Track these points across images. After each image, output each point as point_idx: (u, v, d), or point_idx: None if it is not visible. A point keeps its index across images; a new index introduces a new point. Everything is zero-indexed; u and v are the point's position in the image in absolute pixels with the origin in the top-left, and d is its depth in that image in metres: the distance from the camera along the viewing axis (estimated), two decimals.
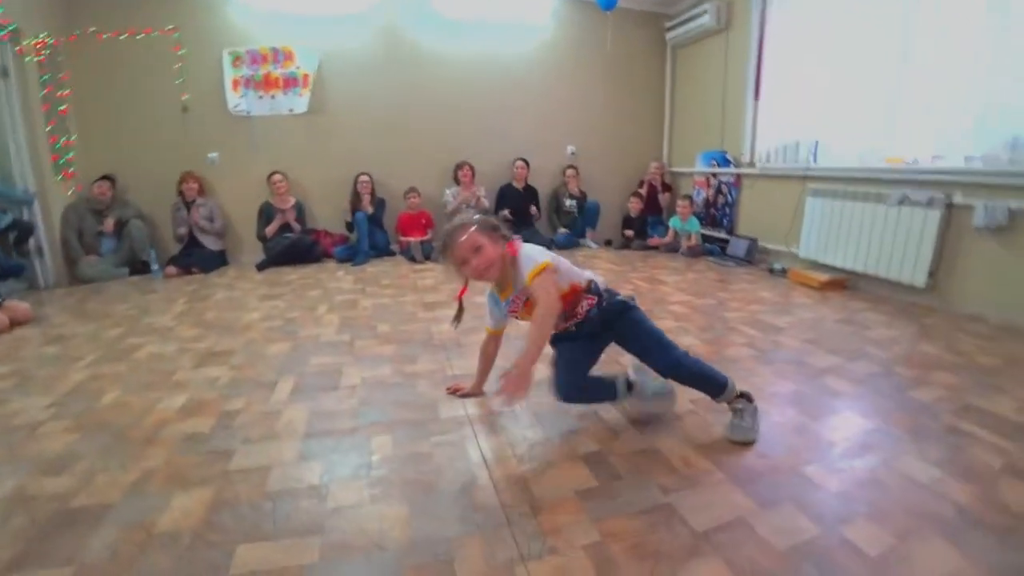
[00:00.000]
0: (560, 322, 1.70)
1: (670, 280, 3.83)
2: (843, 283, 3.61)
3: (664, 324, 2.78)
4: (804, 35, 4.01)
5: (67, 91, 4.44)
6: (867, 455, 1.51)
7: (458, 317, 1.78)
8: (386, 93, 5.04)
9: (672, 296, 3.36)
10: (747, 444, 1.58)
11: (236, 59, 4.67)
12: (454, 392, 2.01)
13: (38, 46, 4.17)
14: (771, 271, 4.01)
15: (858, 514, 1.24)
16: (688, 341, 2.51)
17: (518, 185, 5.29)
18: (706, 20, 4.68)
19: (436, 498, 1.40)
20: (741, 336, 2.60)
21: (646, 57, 5.59)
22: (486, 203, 5.00)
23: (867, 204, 3.46)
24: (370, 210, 4.82)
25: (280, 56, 4.70)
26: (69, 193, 4.50)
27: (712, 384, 1.66)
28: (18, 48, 4.01)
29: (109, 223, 4.49)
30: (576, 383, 1.69)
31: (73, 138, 4.51)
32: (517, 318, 1.75)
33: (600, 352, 1.76)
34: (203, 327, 3.01)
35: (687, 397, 1.86)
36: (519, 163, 5.24)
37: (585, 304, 1.69)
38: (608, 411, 1.85)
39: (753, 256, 4.38)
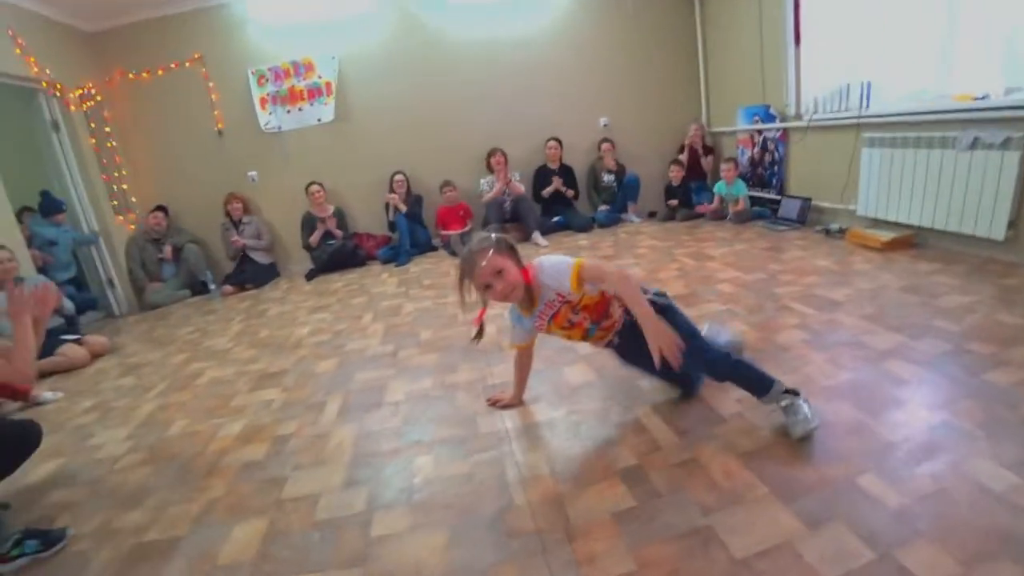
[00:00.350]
0: (599, 335, 1.69)
1: (717, 253, 3.65)
2: (909, 241, 3.30)
3: (711, 308, 2.66)
4: None
5: (112, 134, 4.69)
6: (932, 459, 1.37)
7: (479, 336, 1.79)
8: (409, 89, 5.01)
9: (720, 273, 3.20)
10: (812, 433, 1.50)
11: (260, 77, 4.77)
12: (494, 404, 2.00)
13: (81, 95, 4.41)
14: (827, 232, 3.74)
15: (919, 534, 1.13)
16: (736, 326, 2.38)
17: (553, 166, 5.17)
18: None
19: (474, 523, 1.41)
20: (794, 316, 2.43)
21: (672, 13, 5.24)
22: (521, 188, 4.91)
23: (932, 151, 3.11)
24: (403, 208, 4.84)
25: (301, 68, 4.77)
26: (131, 227, 4.80)
27: (757, 384, 1.57)
28: (65, 101, 4.26)
29: (167, 250, 4.78)
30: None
31: (124, 176, 4.78)
32: (547, 332, 1.72)
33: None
34: (258, 347, 3.18)
35: (733, 396, 1.78)
36: (551, 143, 5.10)
37: (619, 309, 1.64)
38: (650, 417, 1.78)
39: (807, 217, 4.09)
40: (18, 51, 3.88)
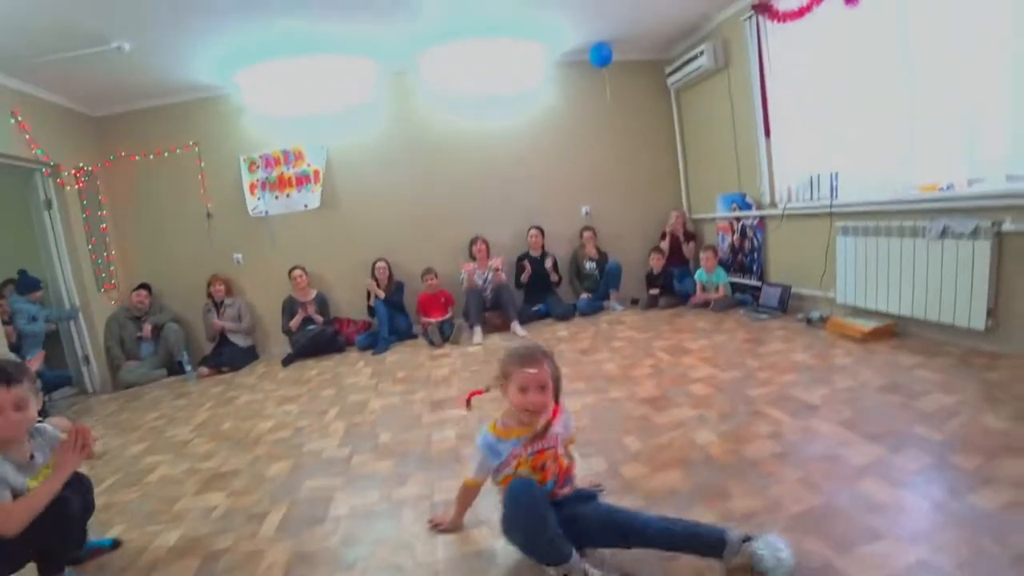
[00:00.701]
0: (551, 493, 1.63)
1: (695, 346, 3.56)
2: (891, 330, 3.23)
3: (682, 413, 2.54)
4: (806, 63, 3.79)
5: (104, 212, 4.80)
6: None
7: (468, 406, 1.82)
8: (394, 177, 5.14)
9: (695, 371, 3.09)
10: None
11: (251, 164, 4.92)
12: (435, 526, 1.86)
13: (77, 174, 4.55)
14: (809, 322, 3.67)
15: None
16: (704, 437, 2.25)
17: (535, 253, 5.20)
18: (704, 61, 4.55)
19: None
20: (766, 423, 2.30)
21: (650, 105, 5.49)
22: (503, 276, 4.91)
23: (904, 239, 3.12)
24: (382, 295, 4.83)
25: (291, 157, 4.93)
26: (113, 303, 4.80)
27: (705, 541, 1.43)
28: (59, 180, 4.39)
29: (147, 328, 4.75)
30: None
31: (112, 253, 4.84)
32: (517, 466, 1.60)
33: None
34: (218, 440, 3.05)
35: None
36: (533, 231, 5.17)
37: (568, 490, 1.66)
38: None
39: (787, 305, 4.04)
40: (26, 136, 4.03)
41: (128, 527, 2.17)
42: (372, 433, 2.83)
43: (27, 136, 4.07)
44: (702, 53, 4.55)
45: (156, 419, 3.61)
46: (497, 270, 4.87)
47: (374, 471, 2.39)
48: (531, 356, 1.59)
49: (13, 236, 4.73)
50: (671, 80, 5.22)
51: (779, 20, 3.84)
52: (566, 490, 1.65)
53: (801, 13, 3.63)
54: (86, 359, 4.60)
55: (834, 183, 3.65)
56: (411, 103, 5.11)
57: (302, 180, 4.94)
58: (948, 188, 2.98)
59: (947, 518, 1.51)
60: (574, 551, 1.44)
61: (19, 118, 4.00)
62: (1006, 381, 2.36)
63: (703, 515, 1.69)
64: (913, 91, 3.08)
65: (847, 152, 3.59)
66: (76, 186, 4.54)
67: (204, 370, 4.63)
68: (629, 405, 2.72)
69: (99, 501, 2.36)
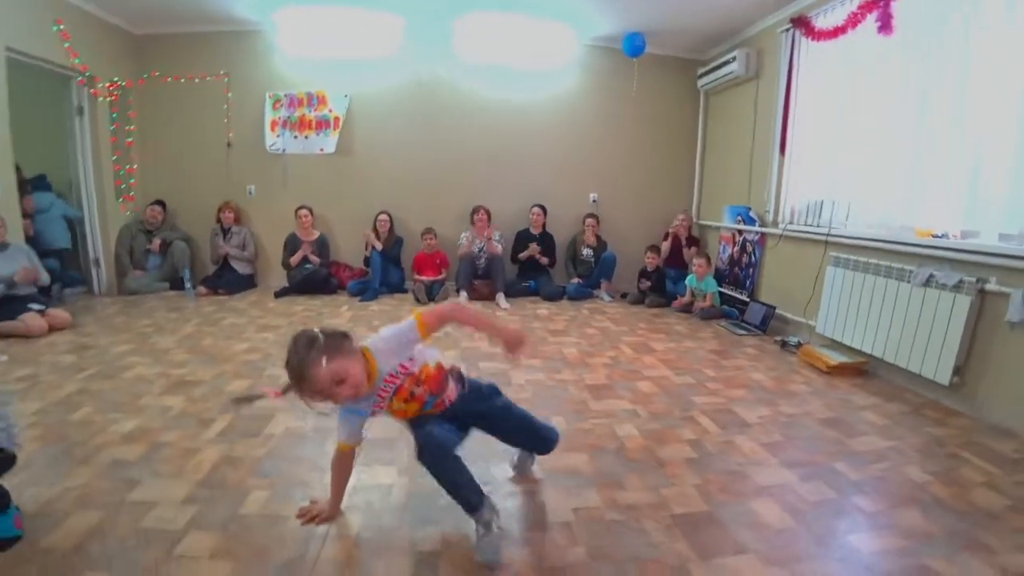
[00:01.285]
0: (436, 406, 1.63)
1: (661, 348, 3.60)
2: (859, 368, 3.21)
3: (616, 404, 2.61)
4: (829, 87, 3.72)
5: (132, 127, 5.00)
6: None
7: (248, 401, 1.91)
8: (409, 135, 5.22)
9: (649, 370, 3.14)
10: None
11: (276, 102, 5.06)
12: (309, 521, 1.62)
13: (111, 87, 4.74)
14: (783, 345, 3.66)
15: None
16: (627, 431, 2.32)
17: (534, 231, 5.25)
18: (736, 67, 4.47)
19: (264, 565, 1.43)
20: (693, 430, 2.35)
21: (678, 103, 5.42)
22: (499, 248, 4.98)
23: (890, 280, 3.09)
24: (379, 246, 4.95)
25: (314, 100, 5.04)
26: (128, 214, 5.03)
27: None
28: (93, 91, 4.59)
29: (156, 243, 4.98)
30: (448, 445, 1.53)
31: (134, 167, 5.05)
32: (386, 410, 1.56)
33: (463, 438, 1.66)
34: (194, 353, 3.24)
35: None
36: (535, 209, 5.21)
37: (453, 389, 1.63)
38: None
39: (768, 325, 4.03)
40: (66, 45, 4.21)
41: (94, 411, 2.38)
42: None
43: (67, 45, 4.24)
44: (735, 59, 4.47)
45: (146, 326, 3.82)
46: (489, 239, 4.94)
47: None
48: (300, 370, 1.34)
49: (43, 138, 4.97)
50: (702, 82, 5.14)
51: (814, 38, 3.76)
52: (451, 392, 1.62)
53: (836, 33, 3.55)
54: (96, 262, 4.86)
55: (834, 212, 3.60)
56: (436, 65, 5.14)
57: (322, 124, 5.05)
58: (942, 236, 2.92)
59: (820, 551, 1.55)
60: (484, 499, 1.52)
61: (62, 26, 4.18)
62: (948, 439, 2.34)
63: (590, 498, 1.79)
64: (925, 132, 3.02)
65: (852, 183, 3.54)
66: (108, 98, 4.74)
67: (203, 289, 4.84)
68: (573, 389, 2.80)
69: (76, 387, 2.64)
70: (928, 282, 2.86)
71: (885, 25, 3.13)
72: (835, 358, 3.23)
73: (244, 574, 1.40)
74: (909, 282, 2.96)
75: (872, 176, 3.38)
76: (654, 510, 1.73)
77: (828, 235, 3.59)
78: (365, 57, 5.01)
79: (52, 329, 3.60)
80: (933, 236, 2.95)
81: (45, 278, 3.86)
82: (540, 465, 1.98)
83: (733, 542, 1.58)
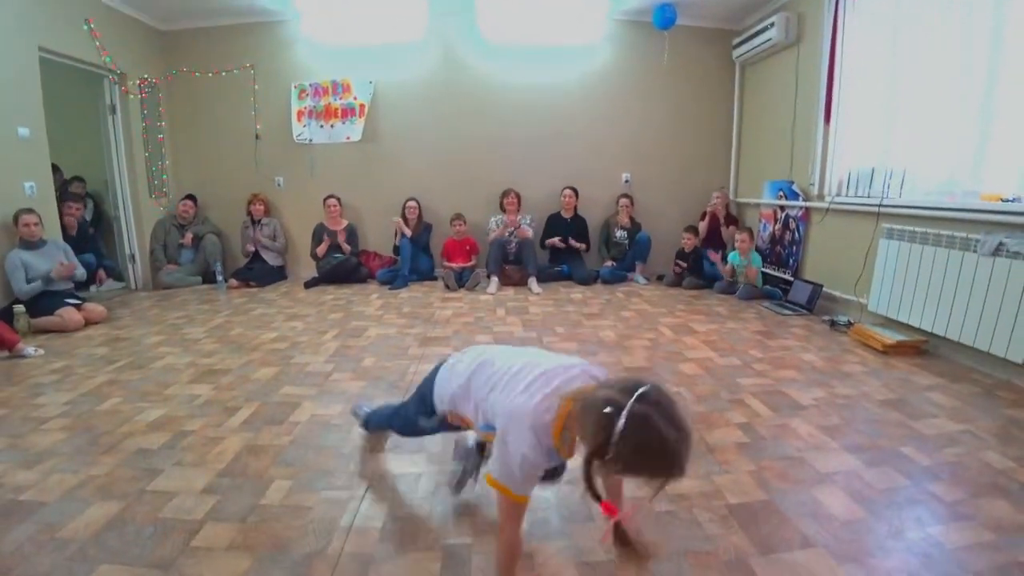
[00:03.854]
0: None
1: (703, 329, 3.42)
2: (917, 347, 2.97)
3: None
4: (881, 46, 3.44)
5: (162, 123, 5.06)
6: None
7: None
8: (436, 120, 5.13)
9: (691, 351, 2.97)
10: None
11: (301, 92, 5.04)
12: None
13: (141, 84, 4.79)
14: (833, 324, 3.44)
15: None
16: None
17: (566, 214, 5.10)
18: (774, 34, 4.20)
19: (279, 560, 1.35)
20: (743, 413, 2.19)
21: (712, 77, 5.15)
22: (529, 232, 4.85)
23: (953, 251, 2.83)
24: (408, 232, 4.89)
25: (339, 88, 4.99)
26: (162, 209, 5.10)
27: None
28: (123, 88, 4.64)
29: (188, 237, 5.04)
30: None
31: (165, 162, 5.11)
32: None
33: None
34: (223, 343, 3.24)
35: None
36: (567, 192, 5.05)
37: None
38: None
39: (815, 304, 3.79)
40: (96, 44, 4.27)
41: (122, 400, 2.38)
42: (358, 356, 2.93)
43: (98, 44, 4.29)
44: (773, 25, 4.20)
45: (178, 318, 3.85)
46: (518, 227, 4.81)
47: (345, 389, 2.48)
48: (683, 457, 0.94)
49: (80, 137, 5.08)
50: (737, 52, 4.87)
51: None
52: None
53: None
54: (132, 258, 4.95)
55: (887, 180, 3.33)
56: (460, 47, 5.02)
57: (347, 112, 5.01)
58: (1013, 200, 2.66)
59: (897, 544, 1.39)
60: None
61: (92, 25, 4.23)
62: None
63: (638, 487, 1.63)
64: (994, 88, 2.74)
65: (907, 148, 3.27)
66: (139, 95, 4.79)
67: (234, 282, 4.87)
68: (612, 373, 2.65)
69: (107, 378, 2.66)
70: (998, 251, 2.60)
71: None
72: (892, 337, 3.01)
73: (262, 567, 1.33)
74: (976, 252, 2.71)
75: (930, 139, 3.11)
76: (707, 499, 1.59)
77: (880, 205, 3.34)
78: (388, 42, 4.93)
79: (89, 322, 3.66)
80: (1003, 200, 2.69)
81: (81, 273, 3.93)
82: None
83: (797, 534, 1.43)
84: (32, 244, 3.58)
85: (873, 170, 3.47)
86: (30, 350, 3.02)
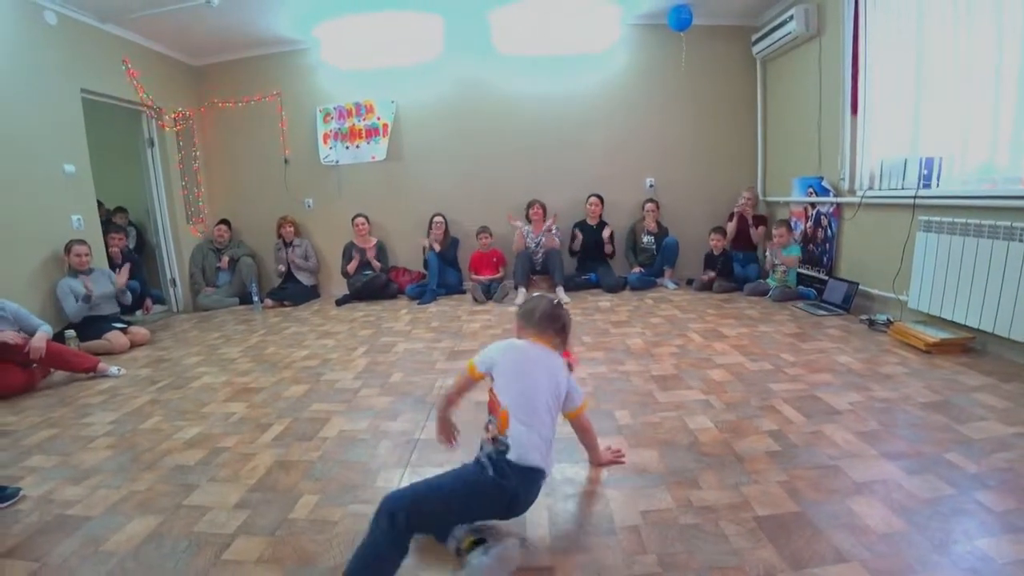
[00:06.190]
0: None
1: (733, 333, 3.34)
2: (963, 345, 2.83)
3: (689, 394, 2.42)
4: (908, 30, 3.31)
5: (197, 152, 5.30)
6: None
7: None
8: (458, 136, 5.20)
9: (721, 357, 2.91)
10: None
11: (326, 115, 5.20)
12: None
13: (176, 117, 5.03)
14: (871, 324, 3.31)
15: None
16: (699, 423, 2.12)
17: (592, 222, 5.07)
18: (794, 26, 4.10)
19: (310, 572, 1.39)
20: (774, 420, 2.11)
21: (732, 75, 5.06)
22: (557, 241, 4.84)
23: (996, 241, 2.68)
24: (437, 247, 4.95)
25: (362, 109, 5.13)
26: (199, 235, 5.32)
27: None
28: (160, 123, 4.88)
29: (224, 260, 5.24)
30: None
31: (201, 190, 5.34)
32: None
33: None
34: (257, 362, 3.34)
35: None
36: (592, 199, 5.03)
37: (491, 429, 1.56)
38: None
39: (852, 303, 3.65)
40: (132, 81, 4.52)
41: (162, 419, 2.50)
42: (387, 372, 2.97)
43: (135, 82, 4.55)
44: (792, 18, 4.10)
45: (216, 338, 4.00)
46: (550, 231, 4.80)
47: (373, 404, 2.52)
48: (561, 314, 1.73)
49: (121, 170, 5.36)
50: (757, 48, 4.78)
51: None
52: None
53: None
54: (173, 282, 5.17)
55: (922, 170, 3.20)
56: (477, 63, 5.09)
57: (371, 132, 5.14)
58: None
59: (940, 559, 1.30)
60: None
61: (128, 65, 4.48)
62: None
63: (662, 499, 1.62)
64: None
65: (941, 136, 3.14)
66: (175, 128, 5.04)
67: (269, 302, 5.03)
68: (638, 381, 2.62)
69: (149, 398, 2.79)
70: None
71: None
72: (934, 335, 2.86)
73: None
74: (1021, 240, 2.56)
75: (965, 123, 2.98)
76: (734, 511, 1.54)
77: (916, 197, 3.20)
78: (407, 63, 5.05)
79: (133, 345, 3.85)
80: None
81: (127, 298, 4.13)
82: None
83: (831, 548, 1.36)
84: (81, 272, 3.78)
85: (906, 160, 3.34)
86: (113, 370, 3.21)
